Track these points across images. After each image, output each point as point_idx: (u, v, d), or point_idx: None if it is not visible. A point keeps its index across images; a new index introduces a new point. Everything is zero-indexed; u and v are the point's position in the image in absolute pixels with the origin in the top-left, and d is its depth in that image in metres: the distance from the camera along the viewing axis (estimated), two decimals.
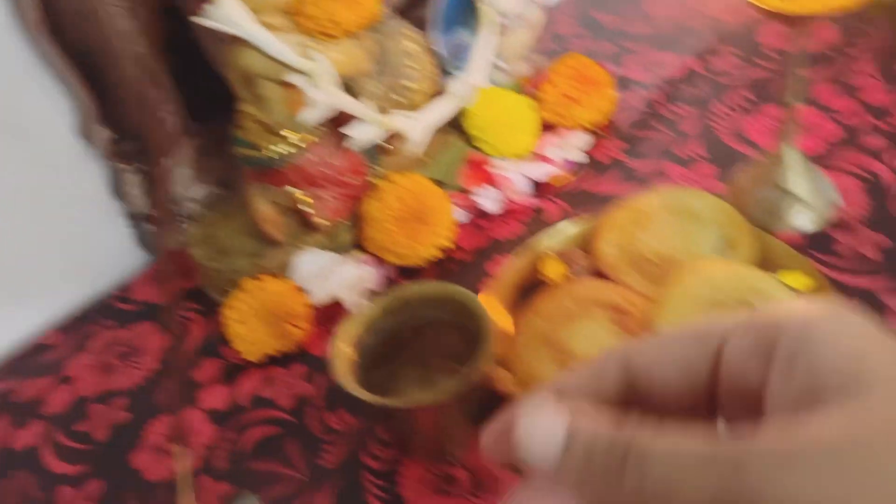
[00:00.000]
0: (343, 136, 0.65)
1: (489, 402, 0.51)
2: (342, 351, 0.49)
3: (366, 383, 0.50)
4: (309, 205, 0.65)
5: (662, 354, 0.23)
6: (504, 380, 0.51)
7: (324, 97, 0.58)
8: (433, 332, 0.53)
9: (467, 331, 0.51)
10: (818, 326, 0.20)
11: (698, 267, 0.50)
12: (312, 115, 0.59)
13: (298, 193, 0.64)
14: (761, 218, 0.62)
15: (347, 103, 0.61)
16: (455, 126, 0.76)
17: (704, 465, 0.18)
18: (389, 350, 0.52)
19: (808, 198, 0.61)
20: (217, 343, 0.65)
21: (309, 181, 0.64)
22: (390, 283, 0.66)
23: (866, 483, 0.17)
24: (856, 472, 0.17)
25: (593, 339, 0.51)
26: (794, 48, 0.57)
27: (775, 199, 0.62)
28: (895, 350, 0.20)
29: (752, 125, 0.74)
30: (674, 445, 0.19)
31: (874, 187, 0.63)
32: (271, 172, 0.64)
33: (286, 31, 0.59)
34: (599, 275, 0.58)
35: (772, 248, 0.56)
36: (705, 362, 0.23)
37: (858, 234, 0.60)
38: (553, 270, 0.57)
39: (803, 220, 0.61)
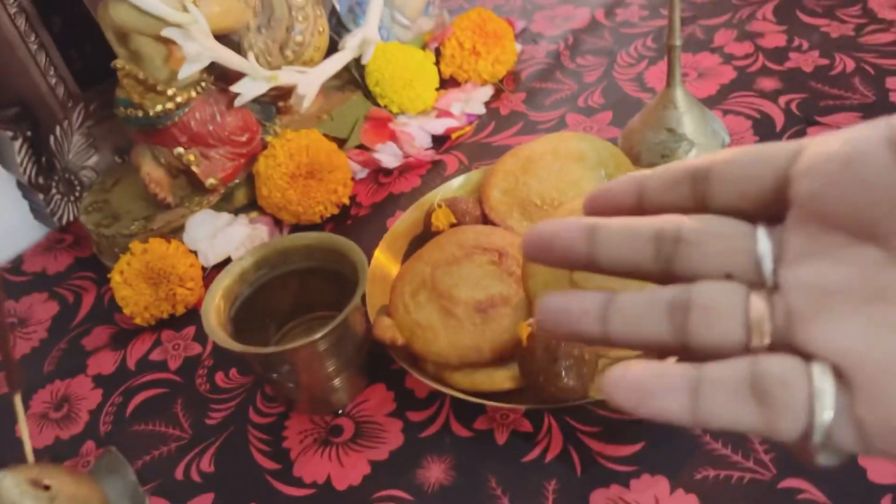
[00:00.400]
0: (231, 94, 0.63)
1: (373, 351, 0.51)
2: (212, 303, 0.48)
3: (241, 336, 0.49)
4: (197, 165, 0.63)
5: (740, 168, 0.24)
6: (384, 326, 0.50)
7: (199, 50, 0.56)
8: (313, 281, 0.52)
9: (347, 279, 0.50)
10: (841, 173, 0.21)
11: (571, 205, 0.50)
12: (189, 69, 0.57)
13: (186, 153, 0.63)
14: (651, 159, 0.62)
15: (226, 57, 0.59)
16: (357, 83, 0.75)
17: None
18: (268, 302, 0.51)
19: (696, 137, 0.61)
20: (110, 310, 0.63)
21: (196, 140, 0.63)
22: None
23: None
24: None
25: (474, 282, 0.51)
26: None
27: (665, 141, 0.62)
28: None
29: (653, 73, 0.74)
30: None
31: (762, 125, 0.64)
32: (156, 132, 0.62)
33: None
34: (488, 221, 0.58)
35: None
36: (774, 178, 0.23)
37: None
38: (442, 220, 0.57)
39: (691, 158, 0.61)
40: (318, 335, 0.44)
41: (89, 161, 0.73)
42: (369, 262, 0.54)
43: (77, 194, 0.72)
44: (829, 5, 0.76)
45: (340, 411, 0.51)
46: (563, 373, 0.43)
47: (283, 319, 0.53)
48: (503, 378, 0.48)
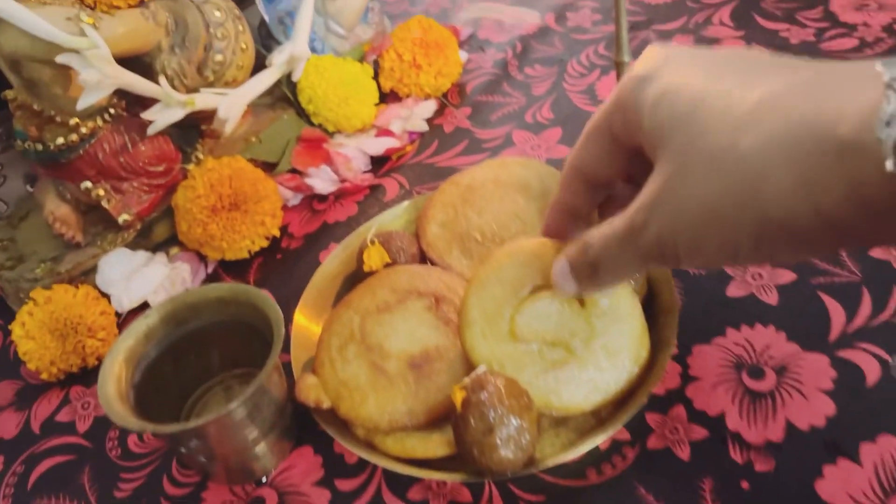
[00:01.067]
0: (144, 120, 0.58)
1: (298, 409, 0.47)
2: (113, 371, 0.42)
3: (148, 404, 0.44)
4: (108, 199, 0.58)
5: (586, 156, 0.35)
6: (308, 387, 0.45)
7: (99, 78, 0.51)
8: (228, 337, 0.47)
9: (264, 335, 0.45)
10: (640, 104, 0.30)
11: (510, 245, 0.46)
12: (89, 98, 0.52)
13: (94, 188, 0.57)
14: None
15: (133, 83, 0.53)
16: (288, 101, 0.70)
17: (620, 241, 0.31)
18: (178, 363, 0.46)
19: None
20: (16, 362, 0.58)
21: (106, 173, 0.57)
22: (211, 279, 0.60)
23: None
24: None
25: (407, 333, 0.46)
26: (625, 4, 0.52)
27: None
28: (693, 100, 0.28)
29: (606, 84, 0.70)
30: (603, 237, 0.32)
31: None
32: (59, 166, 0.56)
33: (55, 2, 0.51)
34: (426, 259, 0.53)
35: None
36: (611, 145, 0.33)
37: None
38: (375, 259, 0.52)
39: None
40: (231, 406, 0.40)
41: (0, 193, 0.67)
42: (292, 317, 0.50)
43: None
44: (789, 8, 0.73)
45: (264, 478, 0.46)
46: (500, 444, 0.39)
47: (196, 381, 0.48)
48: (439, 443, 0.43)
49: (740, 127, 0.25)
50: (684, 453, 0.42)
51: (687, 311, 0.46)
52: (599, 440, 0.40)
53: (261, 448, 0.44)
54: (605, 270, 0.33)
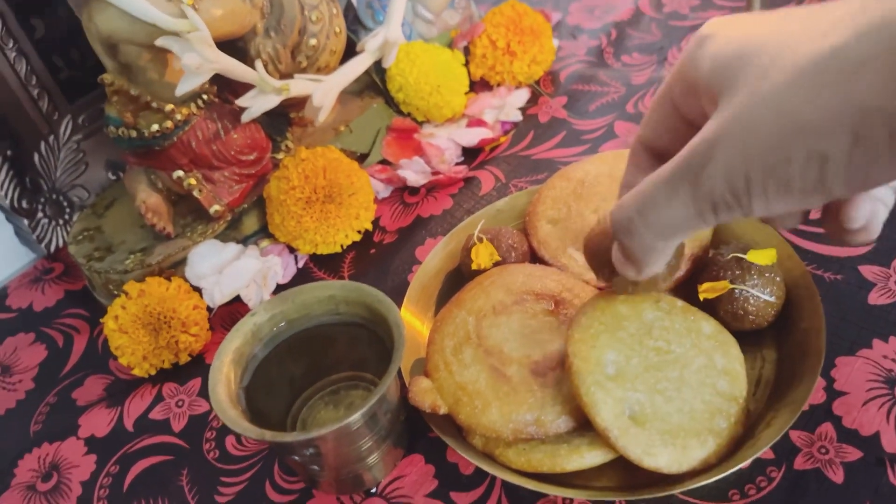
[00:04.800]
0: (237, 108, 0.55)
1: (408, 418, 0.44)
2: (222, 372, 0.40)
3: (257, 407, 0.42)
4: (200, 189, 0.55)
5: (650, 130, 0.33)
6: (423, 391, 0.43)
7: (200, 61, 0.48)
8: (337, 339, 0.44)
9: (376, 336, 0.43)
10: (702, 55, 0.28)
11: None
12: (189, 83, 0.49)
13: (186, 177, 0.55)
14: None
15: (231, 68, 0.51)
16: (377, 89, 0.67)
17: (670, 185, 0.28)
18: (286, 365, 0.44)
19: None
20: (104, 356, 0.56)
21: (198, 162, 0.55)
22: (302, 274, 0.58)
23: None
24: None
25: (526, 337, 0.43)
26: None
27: None
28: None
29: None
30: (647, 182, 0.29)
31: None
32: (152, 154, 0.54)
33: None
34: (537, 258, 0.50)
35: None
36: (674, 116, 0.31)
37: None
38: (484, 257, 0.49)
39: None
40: (353, 416, 0.37)
41: (79, 179, 0.65)
42: (399, 306, 0.47)
43: (67, 217, 0.65)
44: None
45: (374, 489, 0.43)
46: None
47: (303, 383, 0.46)
48: (567, 457, 0.40)
49: (828, 31, 0.23)
50: (837, 476, 0.38)
51: (826, 319, 0.42)
52: (743, 462, 0.37)
53: (373, 458, 0.42)
54: (648, 227, 0.29)
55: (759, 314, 0.42)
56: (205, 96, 0.54)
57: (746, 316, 0.42)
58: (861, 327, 0.44)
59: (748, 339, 0.42)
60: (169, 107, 0.52)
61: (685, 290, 0.44)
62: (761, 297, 0.42)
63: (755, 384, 0.43)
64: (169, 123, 0.52)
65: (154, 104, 0.52)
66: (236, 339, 0.42)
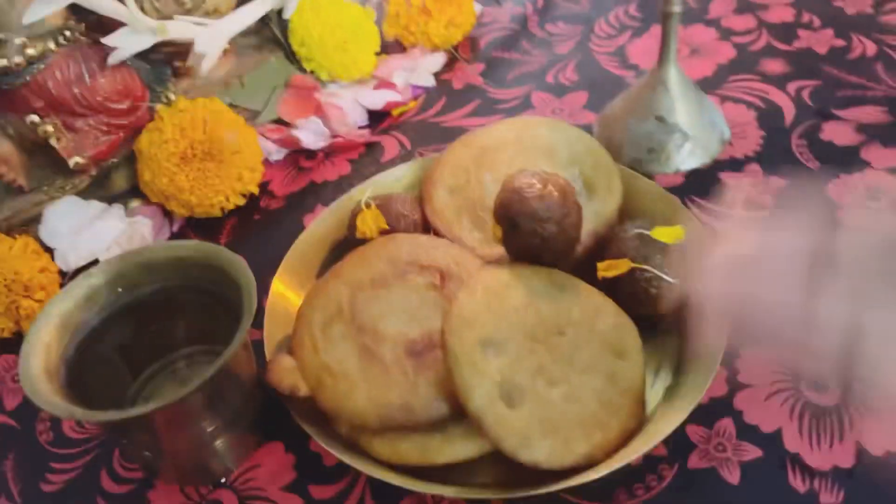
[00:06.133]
0: (106, 48, 0.49)
1: (269, 401, 0.39)
2: (40, 339, 0.34)
3: (85, 382, 0.36)
4: (58, 138, 0.49)
5: None
6: (283, 370, 0.37)
7: None
8: (186, 307, 0.39)
9: (232, 305, 0.37)
10: None
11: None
12: (40, 9, 0.43)
13: (42, 123, 0.48)
14: (636, 153, 0.50)
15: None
16: (277, 42, 0.61)
17: None
18: (124, 335, 0.38)
19: (691, 130, 0.49)
20: None
21: (57, 107, 0.49)
22: (176, 239, 0.52)
23: None
24: None
25: (407, 313, 0.39)
26: None
27: (652, 132, 0.50)
28: None
29: (637, 47, 0.62)
30: None
31: (768, 117, 0.52)
32: (1, 94, 0.47)
33: None
34: (430, 229, 0.45)
35: (641, 191, 0.44)
36: None
37: (749, 175, 0.49)
38: (370, 224, 0.44)
39: (684, 156, 0.49)
40: (186, 391, 0.32)
41: None
42: (268, 287, 0.42)
43: None
44: None
45: (223, 479, 0.38)
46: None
47: (148, 357, 0.40)
48: (439, 449, 0.36)
49: None
50: (734, 476, 0.35)
51: None
52: (631, 457, 0.33)
53: (221, 443, 0.36)
54: None
55: (661, 297, 0.38)
56: (67, 33, 0.48)
57: (648, 299, 0.38)
58: None
59: (649, 324, 0.39)
60: (20, 40, 0.45)
61: (585, 268, 0.40)
62: (664, 278, 0.38)
63: (654, 374, 0.39)
64: (19, 59, 0.46)
65: (1, 35, 0.45)
66: (65, 302, 0.36)
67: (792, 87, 0.55)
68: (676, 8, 0.47)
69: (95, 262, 0.48)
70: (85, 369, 0.36)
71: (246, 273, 0.35)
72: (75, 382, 0.35)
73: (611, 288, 0.39)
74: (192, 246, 0.38)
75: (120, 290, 0.38)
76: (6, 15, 0.45)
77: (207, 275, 0.38)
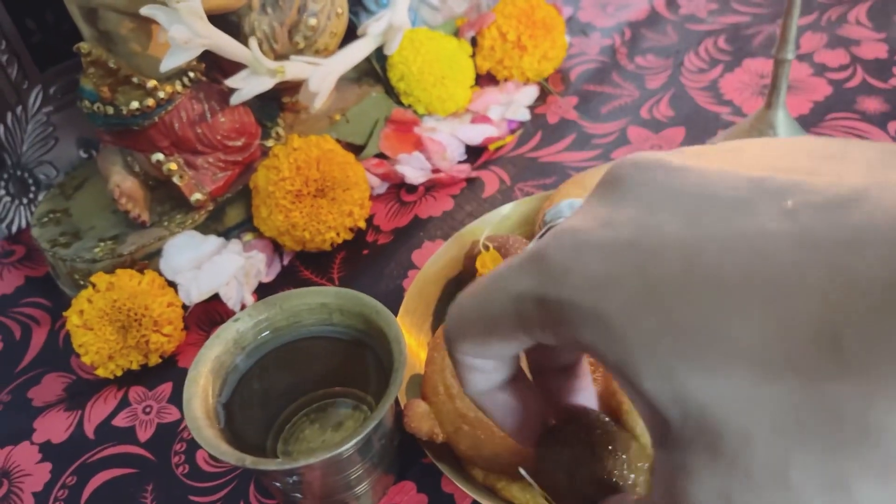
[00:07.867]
0: (226, 89, 0.51)
1: (401, 445, 0.40)
2: (198, 384, 0.36)
3: (235, 423, 0.37)
4: (181, 175, 0.51)
5: None
6: (419, 415, 0.39)
7: (188, 35, 0.44)
8: (328, 352, 0.40)
9: (371, 351, 0.39)
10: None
11: None
12: (175, 58, 0.45)
13: (167, 162, 0.50)
14: None
15: (223, 44, 0.46)
16: (377, 76, 0.62)
17: None
18: (269, 377, 0.40)
19: None
20: (66, 352, 0.51)
21: (181, 146, 0.50)
22: (287, 273, 0.53)
23: None
24: None
25: None
26: None
27: None
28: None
29: (730, 82, 0.62)
30: None
31: None
32: (130, 134, 0.49)
33: None
34: None
35: None
36: None
37: None
38: (489, 266, 0.45)
39: None
40: (346, 445, 0.33)
41: (47, 156, 0.60)
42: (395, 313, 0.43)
43: (31, 196, 0.59)
44: None
45: None
46: None
47: (285, 399, 0.41)
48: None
49: None
50: None
51: None
52: None
53: (363, 487, 0.38)
54: None
55: None
56: (191, 74, 0.49)
57: None
58: None
59: None
60: (151, 83, 0.47)
61: None
62: None
63: None
64: (150, 101, 0.47)
65: (135, 79, 0.47)
66: (216, 347, 0.38)
67: (892, 127, 0.55)
68: (790, 55, 0.47)
69: (216, 296, 0.50)
70: (236, 411, 0.37)
71: (393, 325, 0.37)
72: (229, 423, 0.36)
73: None
74: (332, 292, 0.39)
75: (265, 333, 0.39)
76: (139, 58, 0.47)
77: (348, 321, 0.39)
